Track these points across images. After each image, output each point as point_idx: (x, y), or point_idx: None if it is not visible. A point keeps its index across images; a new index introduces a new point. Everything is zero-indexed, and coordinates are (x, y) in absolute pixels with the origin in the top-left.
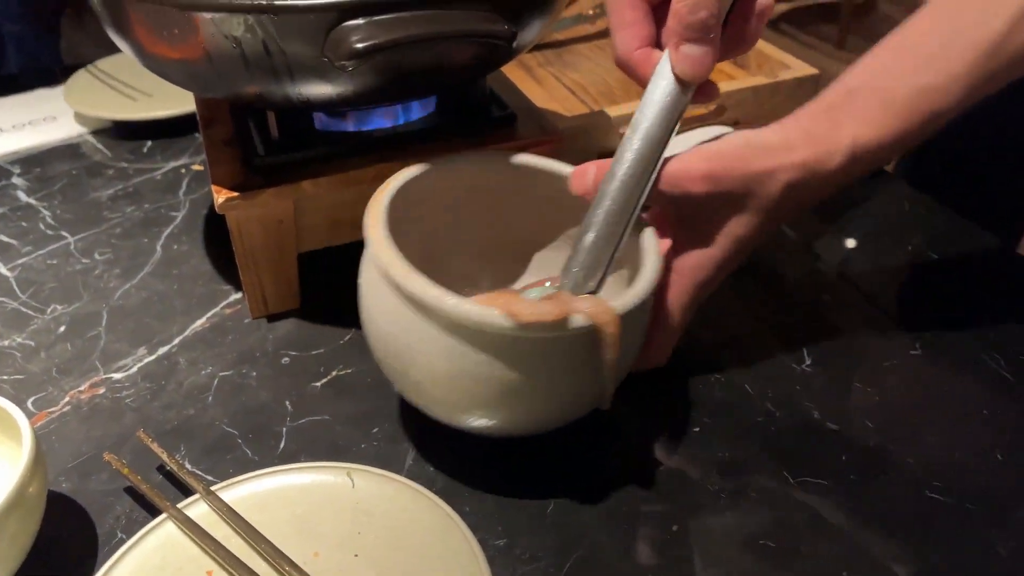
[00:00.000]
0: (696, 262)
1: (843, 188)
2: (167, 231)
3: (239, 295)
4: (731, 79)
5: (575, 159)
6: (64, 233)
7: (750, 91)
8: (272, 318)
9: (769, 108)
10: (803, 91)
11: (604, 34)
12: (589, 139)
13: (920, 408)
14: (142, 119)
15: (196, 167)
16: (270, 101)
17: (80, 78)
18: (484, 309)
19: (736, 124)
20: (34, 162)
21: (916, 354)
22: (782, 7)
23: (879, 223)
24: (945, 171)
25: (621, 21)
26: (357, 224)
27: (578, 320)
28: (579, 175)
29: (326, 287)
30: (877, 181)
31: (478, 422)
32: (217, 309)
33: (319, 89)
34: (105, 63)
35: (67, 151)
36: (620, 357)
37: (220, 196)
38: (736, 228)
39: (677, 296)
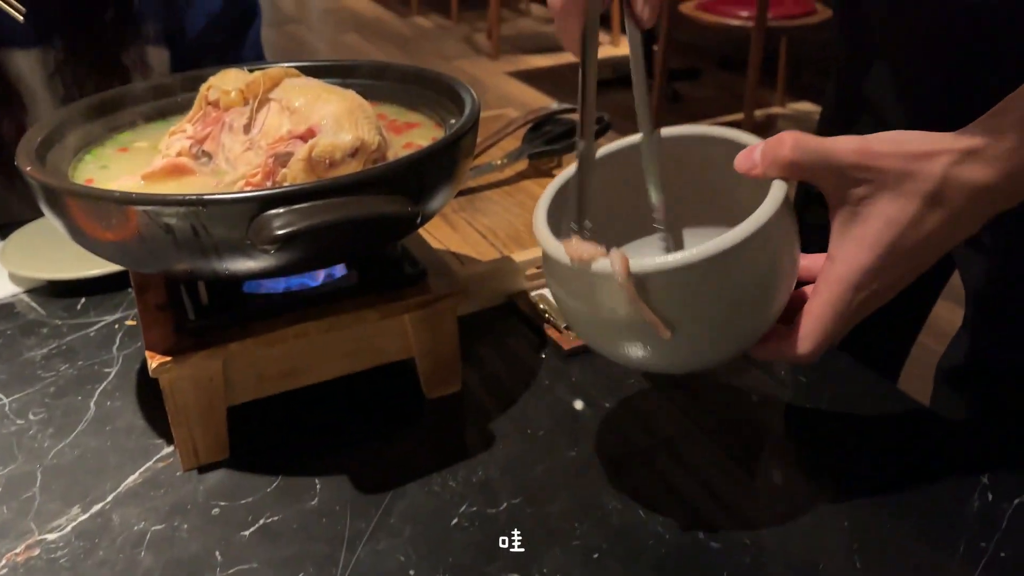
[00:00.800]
0: (851, 254)
1: (1009, 199)
2: (100, 387)
3: (171, 448)
4: None
5: (487, 301)
6: None
7: None
8: (203, 469)
9: None
10: None
11: (511, 181)
12: (497, 283)
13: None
14: (76, 278)
15: (129, 322)
16: (199, 275)
17: (15, 239)
18: (559, 246)
19: None
20: None
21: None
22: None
23: None
24: None
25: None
26: (284, 376)
27: (597, 264)
28: (746, 155)
29: (254, 436)
30: None
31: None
32: (150, 463)
33: (244, 265)
34: (40, 223)
35: (1, 312)
36: (699, 314)
37: (153, 361)
38: (891, 211)
39: (826, 290)
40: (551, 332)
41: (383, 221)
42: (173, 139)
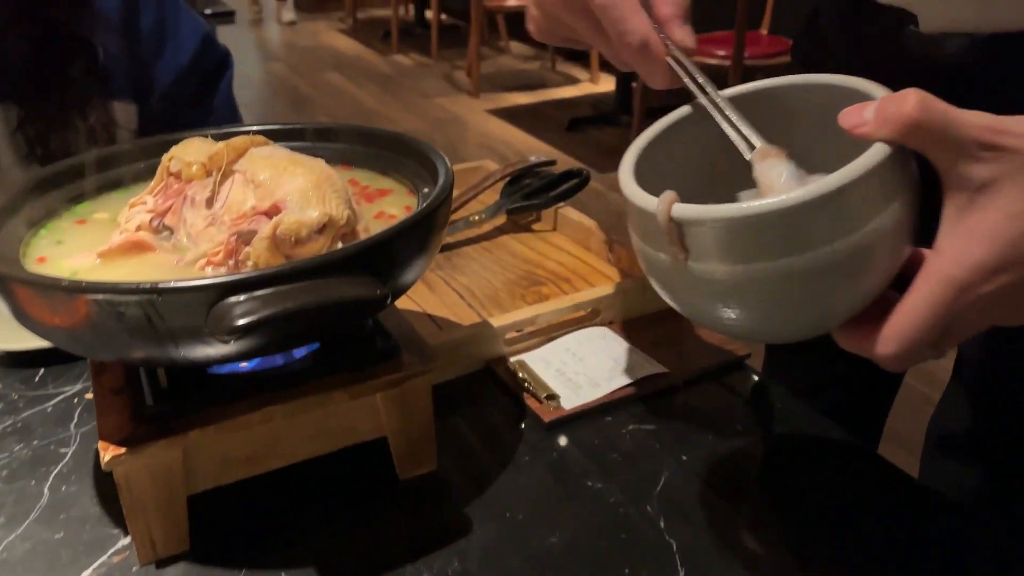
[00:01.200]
0: (960, 247)
1: None
2: (56, 470)
3: (127, 540)
4: (609, 282)
5: (464, 367)
6: None
7: (620, 295)
8: (161, 563)
9: (639, 307)
10: None
11: (490, 236)
12: (475, 349)
13: None
14: (35, 349)
15: (89, 395)
16: (155, 363)
17: None
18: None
19: (611, 324)
20: None
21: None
22: None
23: (736, 412)
24: (805, 365)
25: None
26: (248, 461)
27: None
28: (855, 111)
29: (216, 525)
30: (737, 371)
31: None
32: (105, 557)
33: (203, 353)
34: None
35: None
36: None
37: (106, 453)
38: (1017, 201)
39: (924, 286)
40: (531, 402)
41: (351, 304)
42: (133, 211)
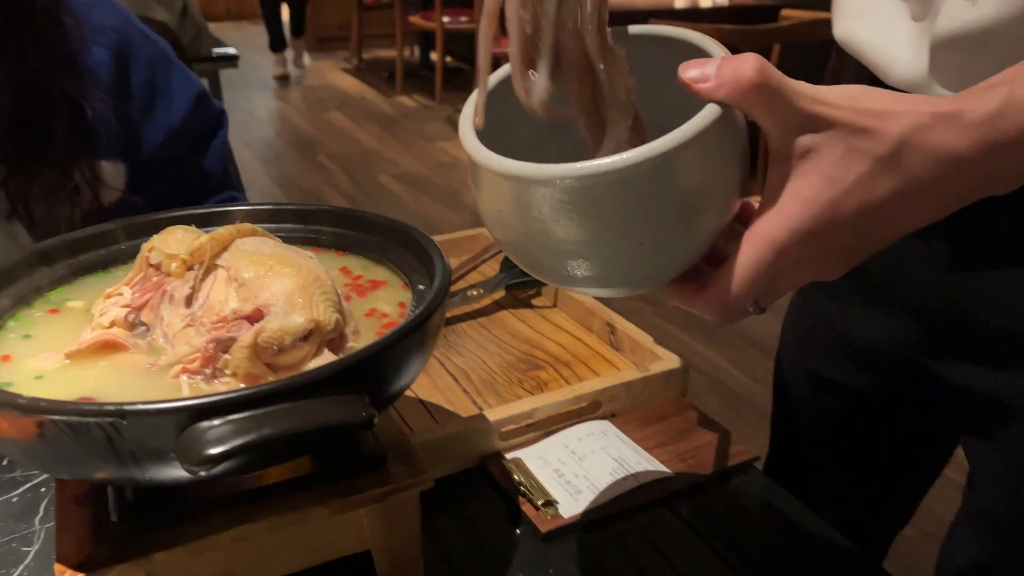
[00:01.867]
0: (780, 210)
1: (989, 179)
2: (17, 572)
3: None
4: (609, 368)
5: (456, 464)
6: None
7: (623, 387)
8: None
9: (642, 400)
10: (673, 382)
11: (486, 312)
12: (469, 445)
13: None
14: None
15: None
16: (117, 484)
17: None
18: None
19: (612, 416)
20: None
21: None
22: None
23: (738, 512)
24: (812, 468)
25: None
26: None
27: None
28: (697, 64)
29: None
30: (743, 475)
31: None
32: None
33: (170, 476)
34: None
35: None
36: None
37: None
38: (834, 168)
39: (748, 247)
40: (527, 508)
41: (334, 430)
42: (108, 303)
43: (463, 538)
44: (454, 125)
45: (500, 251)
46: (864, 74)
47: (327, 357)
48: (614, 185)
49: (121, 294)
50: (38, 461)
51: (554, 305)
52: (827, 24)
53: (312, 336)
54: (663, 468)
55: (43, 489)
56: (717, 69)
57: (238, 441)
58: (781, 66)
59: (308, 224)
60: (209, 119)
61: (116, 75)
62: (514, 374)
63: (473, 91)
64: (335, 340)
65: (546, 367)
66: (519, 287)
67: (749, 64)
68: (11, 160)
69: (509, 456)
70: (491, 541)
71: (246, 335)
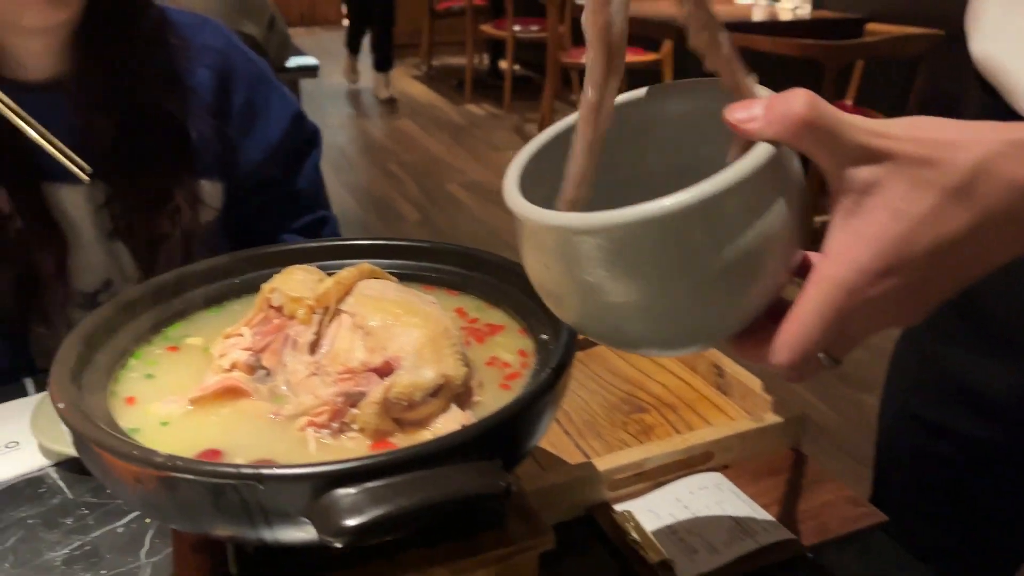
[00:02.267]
0: (846, 249)
1: None
2: None
3: None
4: (718, 414)
5: (562, 514)
6: None
7: (737, 438)
8: None
9: (756, 452)
10: (790, 433)
11: (583, 345)
12: (575, 495)
13: None
14: None
15: None
16: (245, 543)
17: (48, 402)
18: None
19: (724, 468)
20: None
21: None
22: None
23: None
24: (920, 517)
25: None
26: None
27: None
28: (743, 106)
29: None
30: (870, 540)
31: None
32: None
33: (299, 539)
34: None
35: (26, 490)
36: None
37: None
38: (900, 201)
39: (813, 290)
40: (640, 569)
41: (473, 501)
42: (228, 344)
43: None
44: (522, 134)
45: None
46: (995, 103)
47: (455, 413)
48: (663, 231)
49: (241, 335)
50: (160, 513)
51: None
52: (918, 40)
53: (441, 391)
54: (785, 531)
55: (147, 520)
56: (765, 108)
57: (376, 512)
58: (863, 87)
59: (421, 260)
60: (304, 138)
61: (218, 95)
62: (617, 416)
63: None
64: (462, 395)
65: (650, 409)
66: None
67: (799, 99)
68: (114, 180)
69: (618, 508)
70: None
71: (376, 390)
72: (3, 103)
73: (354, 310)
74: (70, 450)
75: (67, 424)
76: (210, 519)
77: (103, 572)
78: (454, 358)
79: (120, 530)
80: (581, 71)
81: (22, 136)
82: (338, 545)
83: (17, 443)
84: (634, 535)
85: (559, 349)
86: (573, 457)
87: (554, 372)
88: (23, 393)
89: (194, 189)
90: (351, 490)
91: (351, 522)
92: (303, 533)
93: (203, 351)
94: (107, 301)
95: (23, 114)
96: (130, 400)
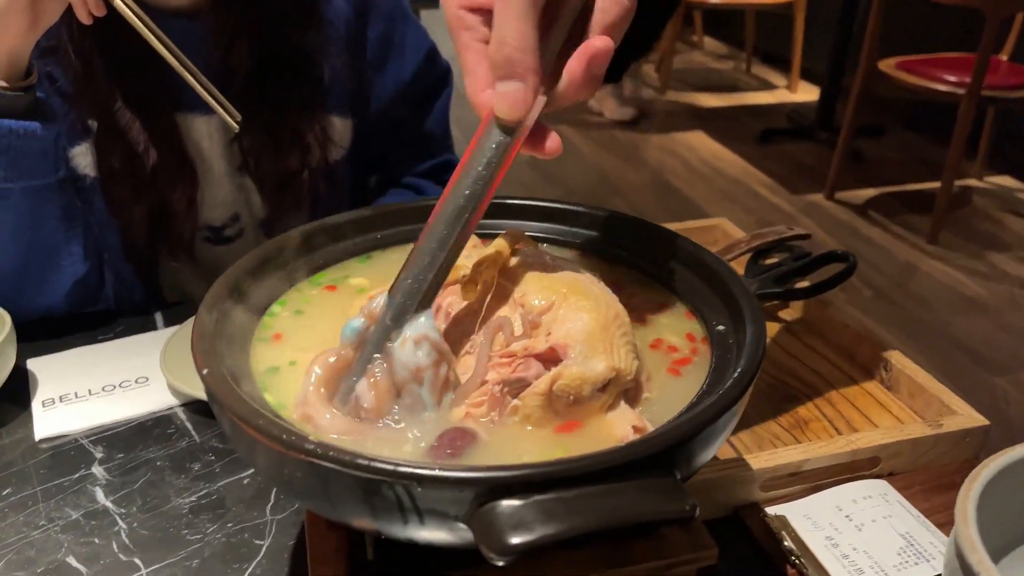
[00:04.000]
0: None
1: None
2: (249, 570)
3: None
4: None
5: (705, 512)
6: (138, 561)
7: (909, 443)
8: None
9: (927, 461)
10: (970, 443)
11: None
12: (723, 493)
13: None
14: None
15: None
16: (390, 537)
17: (180, 338)
18: None
19: (890, 475)
20: (118, 443)
21: None
22: (870, 192)
23: None
24: None
25: (465, 67)
26: None
27: None
28: None
29: None
30: None
31: None
32: None
33: (451, 541)
34: None
35: (155, 429)
36: None
37: None
38: None
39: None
40: None
41: (651, 525)
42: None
43: None
44: (639, 75)
45: (742, 253)
46: None
47: (624, 412)
48: None
49: None
50: (301, 496)
51: (803, 319)
52: None
53: (611, 385)
54: None
55: None
56: None
57: (545, 531)
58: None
59: (574, 226)
60: (437, 75)
61: (353, 28)
62: (767, 405)
63: None
64: (631, 390)
65: (802, 398)
66: (766, 299)
67: None
68: (245, 114)
69: (771, 511)
70: None
71: (541, 382)
72: (156, 35)
73: (514, 284)
74: (198, 392)
75: (211, 395)
76: (357, 511)
77: (229, 525)
78: (626, 349)
79: (245, 481)
80: (704, 9)
81: (164, 67)
82: (500, 563)
83: (147, 379)
84: (790, 543)
85: (749, 348)
86: (720, 452)
87: (744, 375)
88: (153, 326)
89: (324, 126)
90: (517, 502)
91: (517, 540)
92: (457, 538)
93: (358, 293)
94: (234, 236)
95: (176, 51)
96: (277, 336)
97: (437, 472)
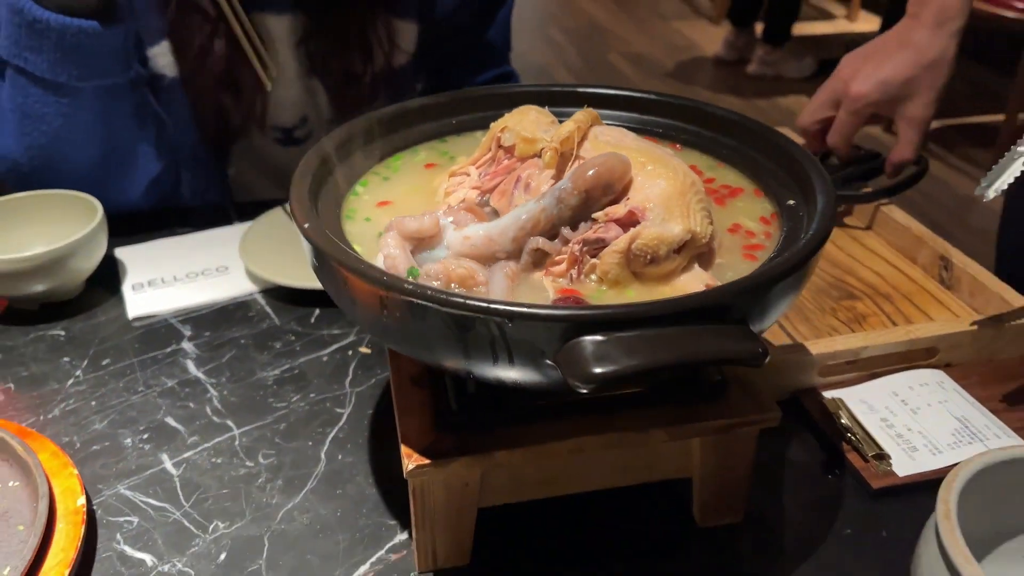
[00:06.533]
0: None
1: None
2: (332, 434)
3: (404, 536)
4: (940, 309)
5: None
6: (230, 423)
7: (969, 335)
8: (439, 573)
9: (986, 354)
10: None
11: None
12: (782, 378)
13: None
14: (309, 288)
15: (363, 349)
16: (478, 378)
17: (256, 229)
18: None
19: (947, 367)
20: (204, 324)
21: None
22: (933, 124)
23: None
24: None
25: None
26: (543, 483)
27: None
28: None
29: (498, 541)
30: None
31: None
32: (382, 553)
33: (539, 386)
34: (277, 214)
35: (237, 312)
36: None
37: (409, 462)
38: None
39: None
40: (852, 457)
41: (726, 362)
42: (455, 183)
43: (777, 479)
44: (692, 4)
45: None
46: None
47: (697, 272)
48: None
49: (467, 174)
50: (396, 339)
51: (868, 227)
52: None
53: (686, 248)
54: (1018, 438)
55: (350, 352)
56: None
57: (625, 365)
58: None
59: (644, 113)
60: None
61: None
62: (826, 301)
63: None
64: (704, 255)
65: (862, 297)
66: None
67: None
68: (313, 17)
69: (828, 395)
70: (811, 488)
71: (620, 240)
72: None
73: (592, 156)
74: (276, 277)
75: (311, 244)
76: (451, 351)
77: (312, 395)
78: (701, 214)
79: (325, 359)
80: None
81: None
82: (583, 391)
83: (227, 268)
84: (846, 420)
85: (818, 216)
86: (778, 339)
87: (815, 238)
88: (228, 221)
89: (389, 29)
90: (600, 337)
91: (600, 369)
92: (542, 376)
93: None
94: (304, 138)
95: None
96: (384, 204)
97: (527, 309)
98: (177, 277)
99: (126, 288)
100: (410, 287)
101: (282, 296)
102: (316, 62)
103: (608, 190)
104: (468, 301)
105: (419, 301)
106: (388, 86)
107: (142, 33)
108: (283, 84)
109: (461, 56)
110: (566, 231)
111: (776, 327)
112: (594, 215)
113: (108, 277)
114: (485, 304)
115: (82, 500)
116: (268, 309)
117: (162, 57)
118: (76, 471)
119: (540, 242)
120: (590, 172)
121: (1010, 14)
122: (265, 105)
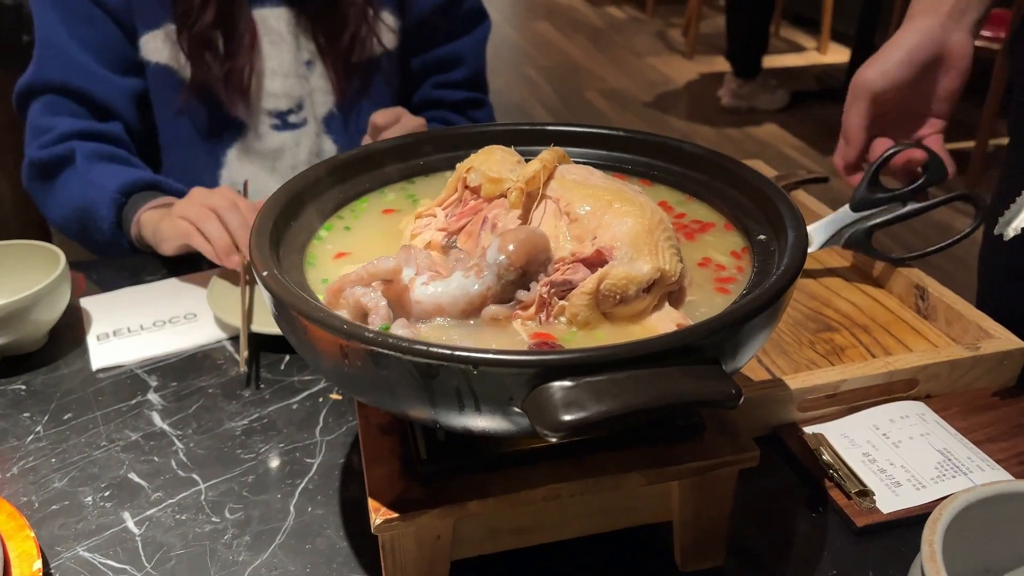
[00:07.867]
0: None
1: None
2: (301, 485)
3: None
4: (918, 339)
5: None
6: (196, 477)
7: (947, 365)
8: None
9: (964, 383)
10: (1008, 366)
11: None
12: (762, 412)
13: None
14: (277, 333)
15: (334, 396)
16: (445, 427)
17: (223, 278)
18: None
19: (928, 398)
20: (171, 373)
21: None
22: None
23: None
24: None
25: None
26: (519, 532)
27: None
28: None
29: None
30: None
31: None
32: None
33: (509, 433)
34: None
35: (205, 361)
36: None
37: (377, 516)
38: None
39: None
40: (835, 494)
41: (698, 405)
42: (421, 224)
43: (760, 518)
44: (665, 40)
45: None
46: None
47: (668, 312)
48: None
49: (434, 215)
50: (360, 389)
51: (838, 254)
52: None
53: (655, 286)
54: (1002, 470)
55: (320, 399)
56: None
57: (598, 409)
58: None
59: (613, 150)
60: (474, 6)
61: None
62: (803, 334)
63: None
64: (675, 293)
65: (840, 329)
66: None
67: None
68: (307, 6)
69: (808, 430)
70: (793, 526)
71: (588, 281)
72: None
73: (558, 195)
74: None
75: (270, 293)
76: (416, 400)
77: (281, 445)
78: (670, 252)
79: (295, 407)
80: None
81: None
82: (552, 439)
83: (195, 315)
84: (828, 457)
85: (789, 250)
86: (756, 374)
87: (787, 273)
88: (197, 268)
89: (377, 16)
90: (568, 383)
91: (569, 417)
92: (511, 423)
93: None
94: (299, 124)
95: None
96: (340, 255)
97: (492, 355)
98: (144, 326)
99: (91, 338)
100: (370, 335)
101: (252, 343)
102: (310, 49)
103: (536, 262)
104: (432, 348)
105: (381, 350)
106: (378, 75)
107: (136, 21)
108: (279, 71)
109: (438, 62)
110: (520, 293)
111: (754, 361)
112: (560, 255)
113: (72, 328)
114: (449, 351)
115: (38, 564)
116: (237, 356)
117: (151, 43)
118: (33, 533)
119: (494, 311)
120: (511, 247)
121: (977, 43)
122: (252, 68)
